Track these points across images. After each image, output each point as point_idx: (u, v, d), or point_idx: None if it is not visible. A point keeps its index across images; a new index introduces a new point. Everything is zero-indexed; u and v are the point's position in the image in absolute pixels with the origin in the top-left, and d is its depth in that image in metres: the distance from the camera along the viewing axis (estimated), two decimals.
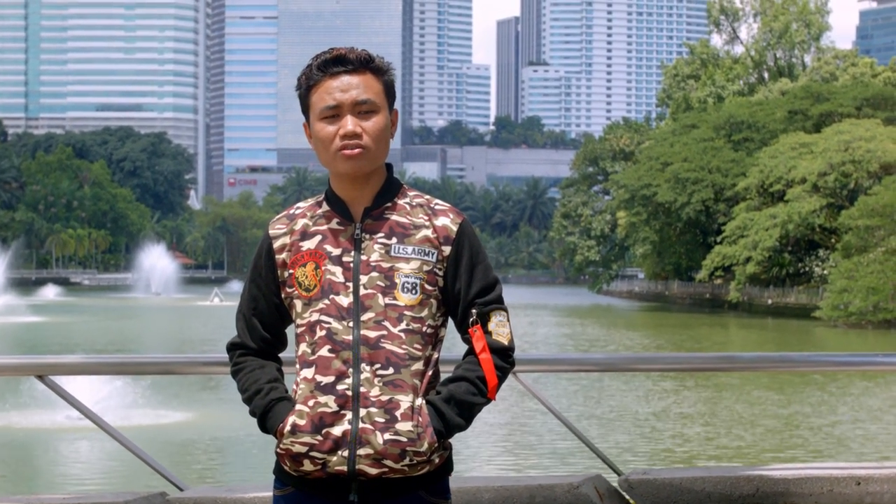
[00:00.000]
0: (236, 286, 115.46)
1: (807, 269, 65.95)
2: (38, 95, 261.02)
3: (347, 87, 3.21)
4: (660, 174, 71.43)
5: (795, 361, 6.20)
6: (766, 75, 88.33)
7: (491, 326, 3.26)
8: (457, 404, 3.19)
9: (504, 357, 3.26)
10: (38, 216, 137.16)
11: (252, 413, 3.26)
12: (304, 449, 3.14)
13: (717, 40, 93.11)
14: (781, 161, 62.68)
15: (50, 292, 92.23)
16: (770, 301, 67.08)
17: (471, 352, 3.27)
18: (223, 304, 75.77)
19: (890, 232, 52.98)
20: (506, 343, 3.27)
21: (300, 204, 3.35)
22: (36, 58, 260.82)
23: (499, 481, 5.13)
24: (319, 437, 3.13)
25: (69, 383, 5.18)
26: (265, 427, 3.23)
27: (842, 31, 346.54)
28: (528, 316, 61.45)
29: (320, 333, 3.18)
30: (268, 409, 3.23)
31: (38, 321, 52.40)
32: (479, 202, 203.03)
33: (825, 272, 61.32)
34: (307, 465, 3.15)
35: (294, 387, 3.24)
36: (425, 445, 3.15)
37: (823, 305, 54.57)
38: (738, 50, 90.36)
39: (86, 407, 5.06)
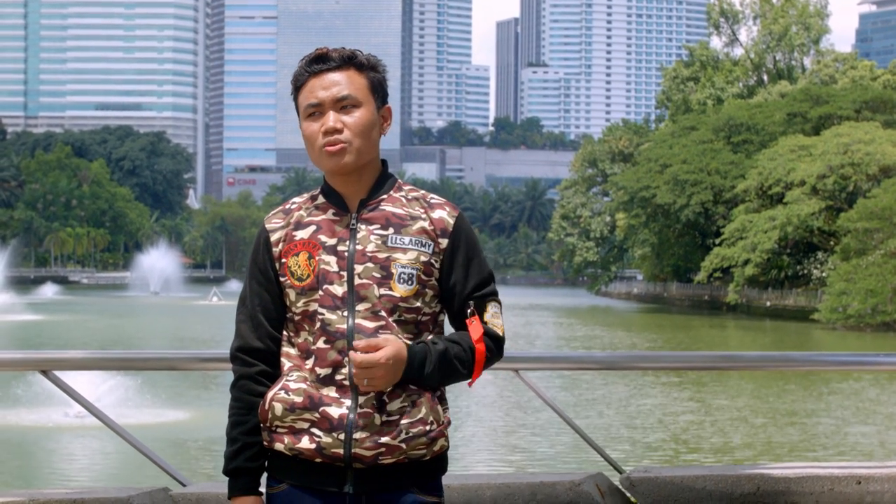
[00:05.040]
0: (235, 286, 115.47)
1: (805, 271, 65.96)
2: (37, 94, 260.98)
3: (329, 84, 3.23)
4: (659, 176, 71.45)
5: (796, 361, 6.21)
6: (765, 78, 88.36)
7: (487, 317, 3.28)
8: (445, 365, 3.19)
9: (497, 345, 3.30)
10: (36, 215, 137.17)
11: (225, 456, 3.30)
12: (305, 425, 3.16)
13: (716, 42, 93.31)
14: (780, 163, 62.69)
15: (48, 291, 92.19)
16: (768, 303, 67.07)
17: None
18: (222, 303, 75.79)
19: (888, 235, 52.98)
20: (501, 333, 3.30)
21: (296, 199, 3.35)
22: (35, 56, 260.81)
23: (500, 479, 5.14)
24: (317, 415, 3.15)
25: (71, 380, 5.19)
26: (227, 471, 3.28)
27: (841, 33, 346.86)
28: (527, 316, 61.43)
29: (317, 325, 3.19)
30: (231, 472, 3.28)
31: (37, 319, 52.38)
32: (477, 203, 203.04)
33: (824, 274, 61.32)
34: (305, 442, 3.16)
35: (283, 362, 3.27)
36: (423, 411, 3.17)
37: (822, 308, 54.56)
38: (738, 52, 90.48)
39: (89, 402, 5.06)
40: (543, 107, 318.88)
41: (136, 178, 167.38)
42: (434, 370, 3.17)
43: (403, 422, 3.15)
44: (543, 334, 47.67)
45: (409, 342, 3.16)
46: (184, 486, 4.96)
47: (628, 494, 5.18)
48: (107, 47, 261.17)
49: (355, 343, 3.10)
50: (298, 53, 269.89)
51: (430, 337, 3.24)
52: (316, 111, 3.23)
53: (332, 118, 3.21)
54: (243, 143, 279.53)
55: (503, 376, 19.56)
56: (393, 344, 3.10)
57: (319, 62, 3.25)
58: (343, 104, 3.22)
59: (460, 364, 3.21)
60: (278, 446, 3.21)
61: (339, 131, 3.20)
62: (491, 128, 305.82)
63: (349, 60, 3.25)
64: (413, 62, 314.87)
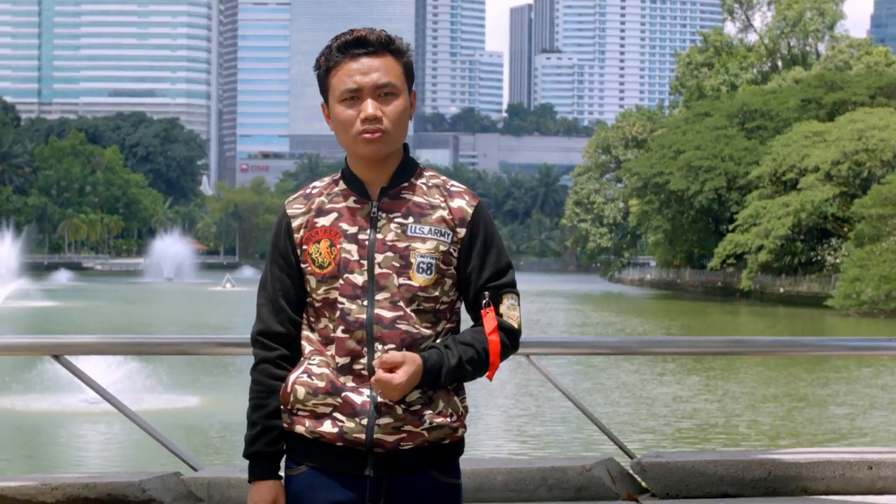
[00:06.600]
0: (248, 272, 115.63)
1: (819, 257, 65.82)
2: (51, 80, 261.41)
3: (368, 69, 3.19)
4: (672, 162, 71.34)
5: (809, 346, 6.22)
6: (779, 64, 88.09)
7: (502, 309, 3.26)
8: (458, 373, 3.18)
9: (512, 339, 3.27)
10: (50, 201, 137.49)
11: (246, 440, 3.28)
12: (328, 410, 3.16)
13: (730, 28, 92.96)
14: (794, 149, 62.54)
15: (62, 277, 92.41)
16: (782, 289, 66.98)
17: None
18: (235, 289, 75.96)
19: None
20: (516, 326, 3.28)
21: (316, 183, 3.34)
22: (49, 43, 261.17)
23: (511, 463, 5.16)
24: (339, 400, 3.15)
25: (83, 365, 5.20)
26: (247, 455, 3.28)
27: (856, 19, 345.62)
28: (540, 302, 61.45)
29: (336, 314, 3.19)
30: (251, 455, 3.27)
31: (51, 305, 52.52)
32: (491, 189, 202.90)
33: (837, 261, 61.20)
34: (327, 426, 3.16)
35: (304, 345, 3.26)
36: (441, 405, 3.18)
37: (835, 294, 54.46)
38: (752, 38, 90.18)
39: (101, 387, 5.08)
40: (557, 93, 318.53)
41: (150, 164, 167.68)
42: (446, 381, 3.17)
43: (427, 412, 3.16)
44: (556, 320, 47.68)
45: (424, 355, 3.14)
46: (195, 470, 4.98)
47: (639, 479, 5.19)
48: (120, 34, 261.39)
49: (374, 363, 3.11)
50: (312, 39, 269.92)
51: (446, 340, 3.21)
52: (353, 96, 3.21)
53: (371, 106, 3.18)
54: (256, 130, 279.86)
55: (515, 361, 19.55)
56: (410, 364, 3.09)
57: (357, 46, 3.21)
58: (382, 91, 3.20)
59: (473, 367, 3.19)
60: (299, 429, 3.21)
61: (379, 120, 3.18)
62: (504, 114, 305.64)
63: (387, 45, 3.23)
64: (426, 48, 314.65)
